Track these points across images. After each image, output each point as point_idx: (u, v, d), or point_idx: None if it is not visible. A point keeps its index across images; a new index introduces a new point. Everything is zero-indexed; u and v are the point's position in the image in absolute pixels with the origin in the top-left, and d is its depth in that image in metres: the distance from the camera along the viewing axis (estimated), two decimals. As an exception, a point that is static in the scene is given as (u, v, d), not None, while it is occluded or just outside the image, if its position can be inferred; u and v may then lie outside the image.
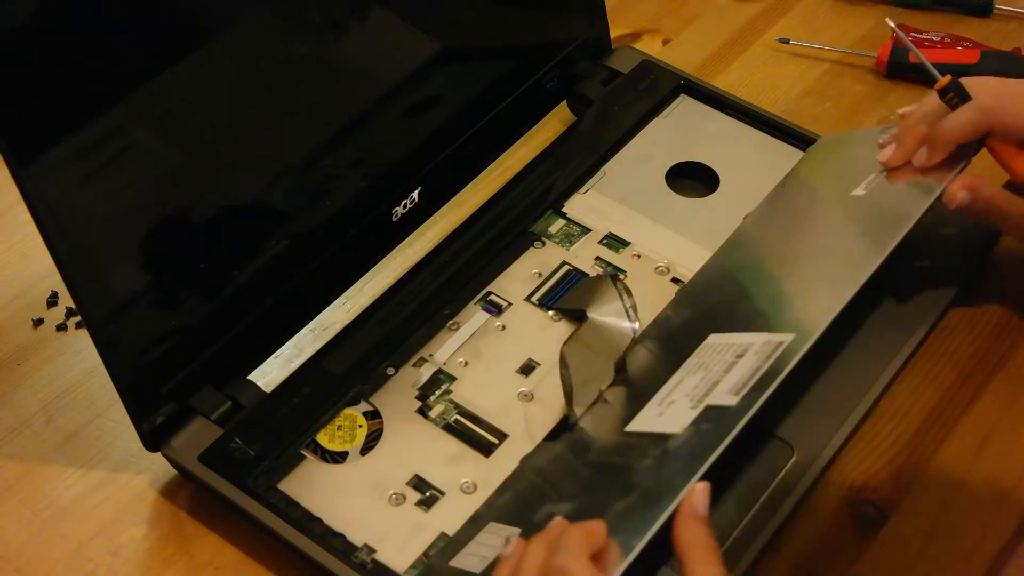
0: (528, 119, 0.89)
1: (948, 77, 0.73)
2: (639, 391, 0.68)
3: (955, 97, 0.73)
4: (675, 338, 0.72)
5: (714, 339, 0.68)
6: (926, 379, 0.75)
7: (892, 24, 0.83)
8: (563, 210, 0.83)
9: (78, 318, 0.79)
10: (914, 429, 0.73)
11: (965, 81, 0.73)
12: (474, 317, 0.76)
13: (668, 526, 0.57)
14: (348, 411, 0.72)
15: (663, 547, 0.57)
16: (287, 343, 0.75)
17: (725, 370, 0.64)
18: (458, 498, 0.68)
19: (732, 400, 0.62)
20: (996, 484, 0.71)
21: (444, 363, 0.74)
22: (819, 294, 0.70)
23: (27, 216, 0.60)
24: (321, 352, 0.74)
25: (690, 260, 0.79)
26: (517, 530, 0.62)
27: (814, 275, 0.73)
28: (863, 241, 0.73)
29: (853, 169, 0.77)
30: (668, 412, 0.64)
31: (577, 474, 0.66)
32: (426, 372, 0.74)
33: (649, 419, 0.65)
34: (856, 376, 0.73)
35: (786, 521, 0.67)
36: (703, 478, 0.58)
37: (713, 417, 0.62)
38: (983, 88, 0.73)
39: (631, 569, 0.56)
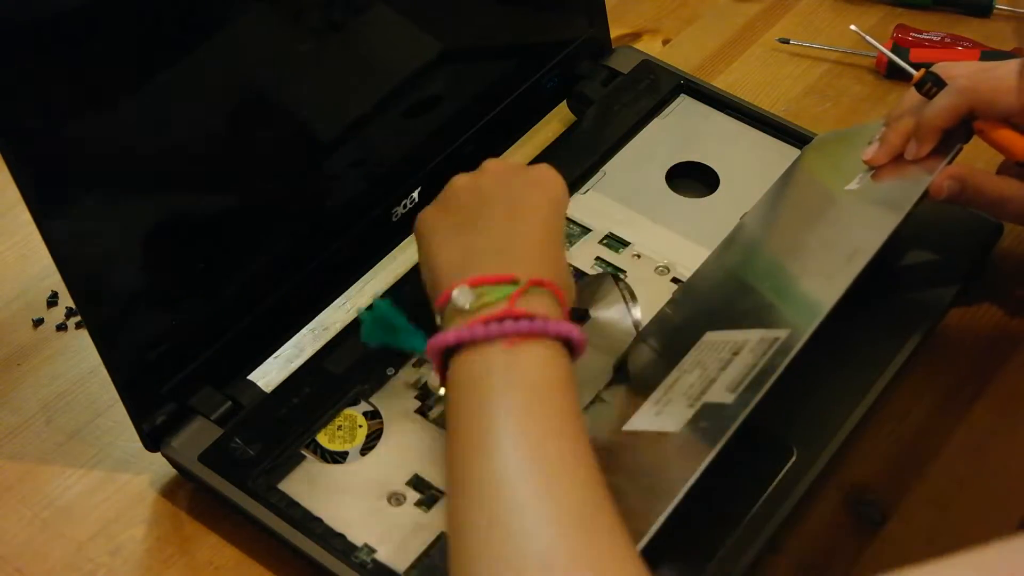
0: (528, 119, 0.89)
1: (923, 70, 0.74)
2: (637, 390, 0.68)
3: (932, 86, 0.74)
4: (674, 337, 0.72)
5: (711, 336, 0.68)
6: (926, 379, 0.75)
7: (855, 28, 0.85)
8: (563, 210, 0.83)
9: (78, 318, 0.79)
10: (914, 429, 0.73)
11: (941, 67, 0.74)
12: (474, 317, 0.76)
13: (668, 526, 0.57)
14: (348, 411, 0.72)
15: (662, 548, 0.57)
16: (287, 343, 0.75)
17: (721, 367, 0.64)
18: (458, 498, 0.68)
19: (729, 397, 0.62)
20: (996, 484, 0.71)
21: (444, 363, 0.74)
22: (814, 289, 0.71)
23: (27, 216, 0.60)
24: (321, 352, 0.74)
25: (690, 260, 0.79)
26: None
27: (809, 270, 0.73)
28: (856, 235, 0.73)
29: (850, 164, 0.78)
30: (666, 411, 0.64)
31: None
32: (426, 372, 0.73)
33: (646, 418, 0.65)
34: (856, 376, 0.73)
35: (786, 521, 0.67)
36: (702, 477, 0.58)
37: (710, 415, 0.62)
38: (958, 71, 0.74)
39: None
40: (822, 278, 0.70)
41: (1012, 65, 0.73)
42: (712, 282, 0.76)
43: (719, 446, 0.59)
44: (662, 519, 0.57)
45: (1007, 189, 0.74)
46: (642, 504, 0.58)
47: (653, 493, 0.58)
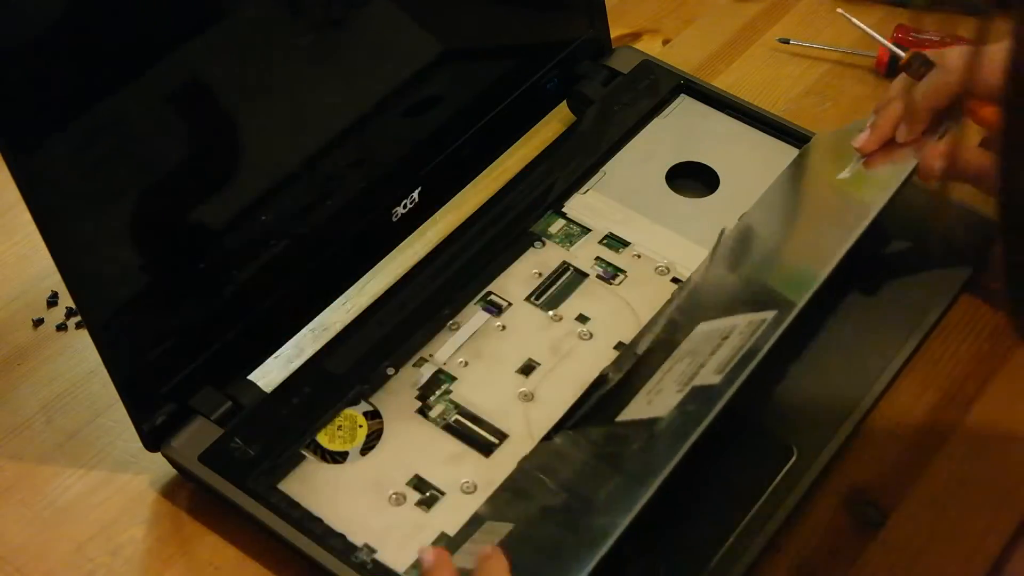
0: (528, 119, 0.89)
1: (911, 51, 0.75)
2: (633, 386, 0.69)
3: (921, 67, 0.74)
4: (671, 335, 0.72)
5: (703, 327, 0.69)
6: (926, 379, 0.75)
7: (841, 11, 0.86)
8: (563, 210, 0.83)
9: (78, 318, 0.79)
10: (914, 429, 0.73)
11: (929, 52, 0.75)
12: (474, 317, 0.76)
13: (653, 504, 0.58)
14: (348, 411, 0.72)
15: (662, 548, 0.57)
16: (287, 343, 0.75)
17: (711, 353, 0.65)
18: (458, 498, 0.68)
19: (716, 379, 0.62)
20: (996, 484, 0.71)
21: (444, 363, 0.74)
22: (802, 272, 0.71)
23: (27, 216, 0.60)
24: (321, 352, 0.74)
25: (690, 260, 0.79)
26: (509, 526, 0.62)
27: (799, 255, 0.74)
28: (846, 217, 0.74)
29: (843, 156, 0.78)
30: (657, 399, 0.65)
31: (571, 468, 0.66)
32: (426, 372, 0.73)
33: (639, 408, 0.66)
34: (856, 376, 0.73)
35: (786, 521, 0.67)
36: (689, 454, 0.58)
37: (698, 397, 0.62)
38: (948, 52, 0.75)
39: (615, 550, 0.56)
40: (811, 260, 0.71)
41: (1001, 45, 0.73)
42: (708, 279, 0.76)
43: (704, 424, 0.59)
44: (648, 496, 0.57)
45: (987, 161, 0.74)
46: (630, 485, 0.59)
47: (640, 474, 0.59)
